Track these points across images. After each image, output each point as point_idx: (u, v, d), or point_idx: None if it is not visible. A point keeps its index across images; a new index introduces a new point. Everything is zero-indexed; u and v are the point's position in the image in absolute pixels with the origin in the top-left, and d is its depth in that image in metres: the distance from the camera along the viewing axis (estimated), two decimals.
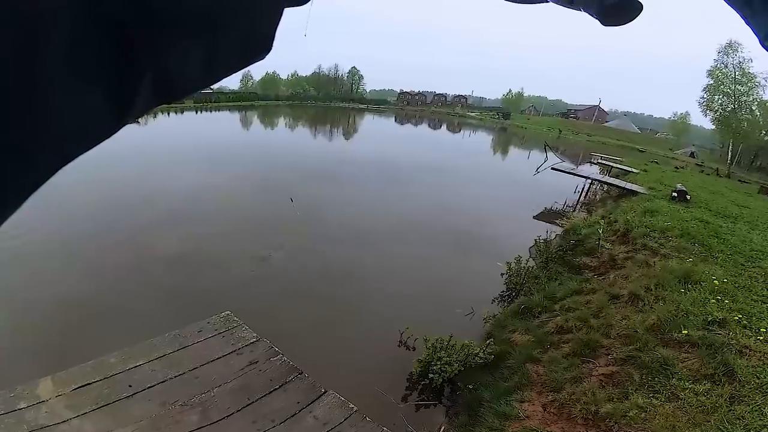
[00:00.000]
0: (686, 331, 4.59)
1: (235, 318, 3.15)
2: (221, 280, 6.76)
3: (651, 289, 5.78)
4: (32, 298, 5.65)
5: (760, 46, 0.42)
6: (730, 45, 34.10)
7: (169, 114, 44.37)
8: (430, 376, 4.54)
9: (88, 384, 2.52)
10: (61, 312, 5.38)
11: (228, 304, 5.89)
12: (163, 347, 2.85)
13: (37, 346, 4.72)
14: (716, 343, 4.34)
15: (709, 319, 4.86)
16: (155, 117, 40.03)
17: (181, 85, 0.27)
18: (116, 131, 0.24)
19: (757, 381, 3.82)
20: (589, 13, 0.46)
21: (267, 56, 0.32)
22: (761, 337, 4.53)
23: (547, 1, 0.50)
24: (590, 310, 5.45)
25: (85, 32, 0.20)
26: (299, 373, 2.63)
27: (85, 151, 0.23)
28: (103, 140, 0.24)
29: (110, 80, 0.22)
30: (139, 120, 34.90)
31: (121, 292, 6.04)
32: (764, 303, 5.51)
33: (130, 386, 2.51)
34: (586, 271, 7.26)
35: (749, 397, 3.65)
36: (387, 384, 4.75)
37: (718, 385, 3.81)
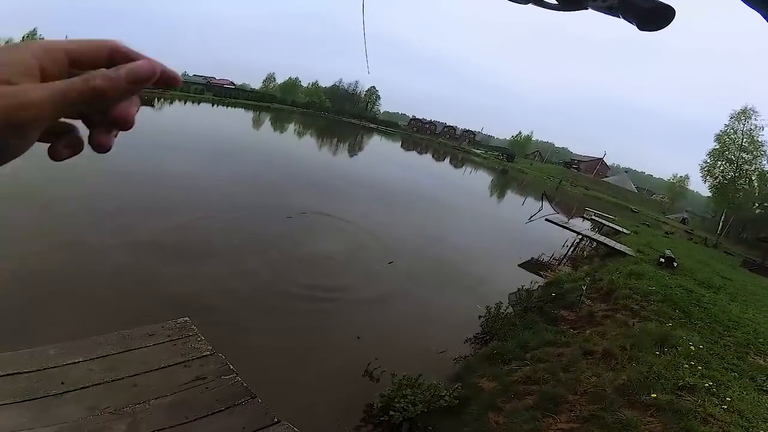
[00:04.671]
0: (654, 395, 4.50)
1: (193, 326, 3.00)
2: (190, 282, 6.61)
3: (626, 349, 5.70)
4: None
5: None
6: (744, 111, 34.48)
7: (185, 102, 44.76)
8: (391, 413, 4.38)
9: (18, 373, 2.35)
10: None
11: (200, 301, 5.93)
12: (107, 347, 2.69)
13: None
14: (683, 409, 4.27)
15: (680, 383, 4.80)
16: (171, 103, 40.49)
17: None
18: None
19: None
20: (627, 20, 0.48)
21: None
22: (725, 406, 4.49)
23: (586, 8, 0.52)
24: (561, 364, 5.34)
25: None
26: (251, 397, 2.46)
27: None
28: None
29: None
30: (155, 105, 35.49)
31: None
32: (733, 371, 5.53)
33: (62, 383, 2.34)
34: (563, 323, 7.18)
35: None
36: (342, 415, 4.59)
37: None
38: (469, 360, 5.91)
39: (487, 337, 6.77)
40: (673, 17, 0.46)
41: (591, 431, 3.95)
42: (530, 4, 0.55)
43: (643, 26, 0.47)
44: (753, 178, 36.16)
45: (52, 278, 5.72)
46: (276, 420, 2.47)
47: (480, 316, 7.24)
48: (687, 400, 4.51)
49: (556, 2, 0.54)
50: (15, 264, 5.79)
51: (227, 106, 50.73)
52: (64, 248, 6.61)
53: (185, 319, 3.10)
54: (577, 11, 0.54)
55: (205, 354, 2.76)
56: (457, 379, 5.36)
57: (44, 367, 2.45)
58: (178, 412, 2.24)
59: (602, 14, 0.51)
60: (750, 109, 34.46)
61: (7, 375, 2.33)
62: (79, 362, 2.52)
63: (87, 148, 0.35)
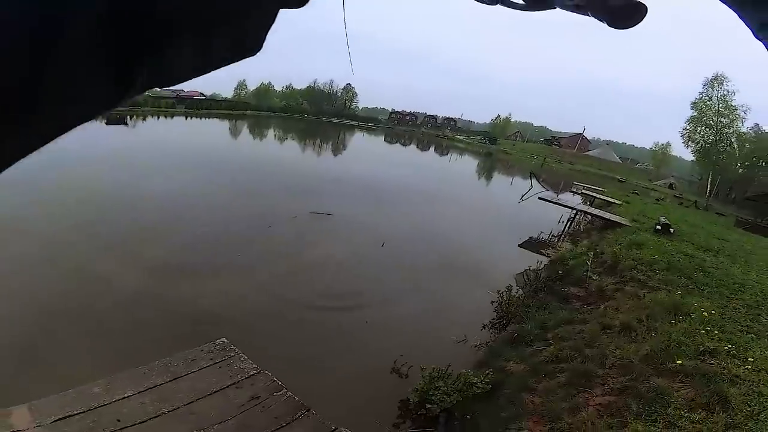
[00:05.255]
0: (680, 361, 4.66)
1: (232, 346, 2.97)
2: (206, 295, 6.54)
3: (642, 321, 5.84)
4: None
5: (754, 37, 0.44)
6: (716, 78, 35.92)
7: (158, 117, 44.11)
8: (428, 406, 4.43)
9: (71, 415, 2.27)
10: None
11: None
12: (153, 377, 2.63)
13: None
14: (709, 373, 4.44)
15: (701, 349, 4.97)
16: (144, 119, 39.84)
17: (173, 76, 0.31)
18: (113, 108, 0.29)
19: (749, 409, 3.92)
20: (596, 18, 0.47)
21: (257, 54, 0.36)
22: (749, 366, 4.65)
23: (554, 7, 0.51)
24: (584, 340, 5.46)
25: (97, 27, 0.25)
26: (306, 411, 2.47)
27: (84, 122, 0.28)
28: (102, 114, 0.29)
29: (113, 68, 0.27)
30: (128, 123, 34.87)
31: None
32: (749, 333, 5.70)
33: (118, 420, 2.28)
34: (574, 301, 7.30)
35: (743, 424, 3.73)
36: (379, 414, 4.62)
37: (713, 413, 3.87)
38: (491, 346, 5.99)
39: (504, 322, 6.84)
40: (645, 14, 0.46)
41: (628, 401, 4.05)
42: (498, 4, 0.55)
43: (613, 24, 0.47)
44: (733, 140, 37.35)
45: (68, 312, 5.61)
46: (334, 428, 2.48)
47: (492, 302, 7.30)
48: (711, 364, 4.68)
49: (524, 2, 0.53)
50: (27, 300, 5.67)
51: (201, 118, 50.03)
52: (73, 280, 6.48)
53: (222, 339, 3.07)
54: (545, 10, 0.53)
55: (252, 373, 2.75)
56: (483, 365, 5.43)
57: (94, 406, 2.38)
58: None
59: (570, 12, 0.50)
60: (721, 75, 36.02)
61: (60, 419, 2.27)
62: (129, 396, 2.47)
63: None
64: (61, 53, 0.24)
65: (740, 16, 0.45)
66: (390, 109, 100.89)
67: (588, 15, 0.48)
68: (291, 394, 2.60)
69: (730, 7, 0.45)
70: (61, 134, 0.27)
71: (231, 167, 19.22)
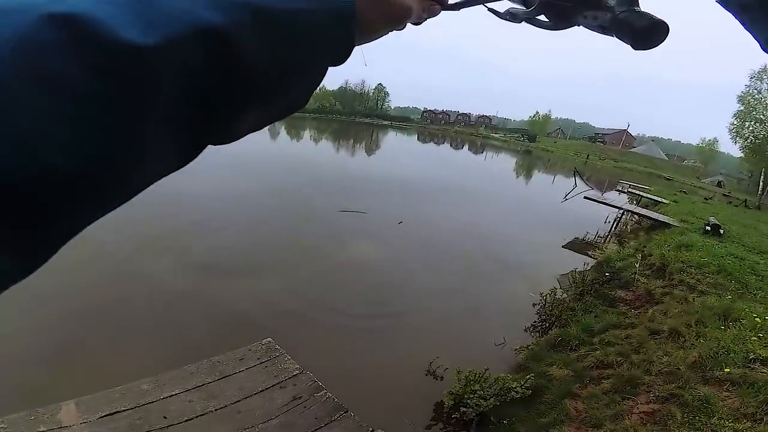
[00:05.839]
0: (727, 369, 4.47)
1: (277, 346, 3.06)
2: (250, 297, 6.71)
3: (691, 326, 5.61)
4: None
5: (762, 50, 0.44)
6: (764, 70, 33.51)
7: None
8: (463, 409, 4.40)
9: (118, 412, 2.35)
10: None
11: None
12: (202, 376, 2.73)
13: None
14: (758, 382, 4.23)
15: (751, 356, 4.73)
16: None
17: (231, 138, 0.35)
18: (180, 168, 0.33)
19: None
20: (620, 39, 0.48)
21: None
22: None
23: (578, 25, 0.52)
24: (631, 346, 5.30)
25: (182, 106, 0.28)
26: (345, 411, 2.52)
27: (160, 179, 0.32)
28: (169, 174, 0.33)
29: (190, 137, 0.31)
30: None
31: None
32: None
33: (165, 417, 2.35)
34: (621, 304, 7.06)
35: None
36: (413, 416, 4.62)
37: (759, 423, 3.71)
38: (533, 349, 5.86)
39: (546, 325, 6.70)
40: (668, 34, 0.46)
41: (672, 410, 3.92)
42: (523, 22, 0.56)
43: (637, 45, 0.47)
44: None
45: (115, 312, 5.73)
46: (371, 429, 2.52)
47: (534, 304, 7.16)
48: (762, 372, 4.44)
49: (549, 21, 0.54)
50: (74, 300, 5.84)
51: None
52: (114, 281, 6.61)
53: (268, 339, 3.16)
54: (569, 29, 0.54)
55: (295, 373, 2.81)
56: (523, 369, 5.34)
57: (142, 403, 2.46)
58: None
59: (595, 33, 0.51)
60: None
61: (106, 415, 2.34)
62: (176, 394, 2.54)
63: None
64: (156, 126, 0.27)
65: (747, 29, 0.45)
66: (422, 108, 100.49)
67: (612, 35, 0.49)
68: (331, 394, 2.65)
69: (738, 19, 0.45)
70: (144, 189, 0.31)
71: (278, 170, 19.37)
